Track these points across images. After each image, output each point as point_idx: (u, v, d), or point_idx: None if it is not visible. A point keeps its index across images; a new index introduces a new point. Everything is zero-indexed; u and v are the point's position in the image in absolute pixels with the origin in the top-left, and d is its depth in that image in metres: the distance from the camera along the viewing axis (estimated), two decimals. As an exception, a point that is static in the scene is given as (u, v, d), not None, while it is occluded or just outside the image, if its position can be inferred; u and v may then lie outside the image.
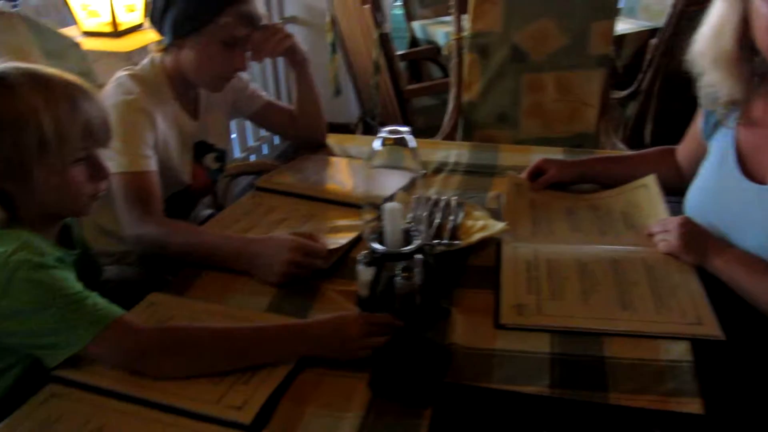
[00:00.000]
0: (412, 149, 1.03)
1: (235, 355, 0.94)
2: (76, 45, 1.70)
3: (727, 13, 1.11)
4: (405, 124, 2.57)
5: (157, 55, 1.45)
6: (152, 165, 1.34)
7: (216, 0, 1.33)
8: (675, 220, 1.17)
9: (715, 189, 1.25)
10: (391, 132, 1.01)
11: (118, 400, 0.88)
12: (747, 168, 1.19)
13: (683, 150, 1.44)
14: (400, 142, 1.02)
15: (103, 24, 2.16)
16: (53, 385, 0.91)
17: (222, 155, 1.61)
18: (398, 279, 1.01)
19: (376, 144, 1.02)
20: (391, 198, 1.20)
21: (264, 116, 1.69)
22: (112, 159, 1.28)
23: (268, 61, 3.48)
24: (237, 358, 0.93)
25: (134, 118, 1.33)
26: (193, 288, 1.16)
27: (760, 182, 1.15)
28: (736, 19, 1.09)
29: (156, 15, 1.40)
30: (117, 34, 2.14)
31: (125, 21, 2.19)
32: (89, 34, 2.19)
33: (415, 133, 2.58)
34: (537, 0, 2.01)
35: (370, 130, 2.92)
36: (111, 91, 1.37)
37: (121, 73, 1.41)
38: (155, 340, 0.93)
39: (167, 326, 1.00)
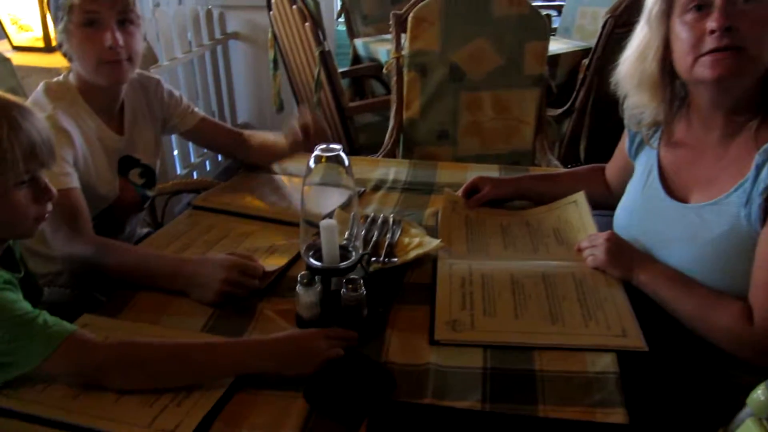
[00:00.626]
0: (347, 167, 1.05)
1: (191, 370, 0.94)
2: (5, 60, 1.66)
3: (650, 37, 1.16)
4: (347, 140, 2.61)
5: (66, 72, 1.44)
6: (74, 182, 1.31)
7: None
8: (602, 236, 1.21)
9: (641, 207, 1.30)
10: (324, 150, 1.02)
11: (50, 428, 0.87)
12: (670, 186, 1.24)
13: (611, 168, 1.50)
14: (336, 160, 1.03)
15: (34, 39, 2.11)
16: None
17: (148, 171, 1.58)
18: (344, 291, 1.02)
19: (311, 162, 1.03)
20: (329, 216, 1.21)
21: (200, 134, 1.67)
22: None
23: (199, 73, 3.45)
24: (193, 374, 0.94)
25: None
26: (127, 309, 1.14)
27: (682, 200, 1.21)
28: (658, 44, 1.15)
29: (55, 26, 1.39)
30: (49, 49, 2.10)
31: (58, 36, 2.14)
32: (20, 48, 2.13)
33: (358, 150, 2.63)
34: (473, 21, 2.06)
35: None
36: None
37: (38, 88, 1.39)
38: (111, 355, 0.93)
39: (124, 341, 0.98)
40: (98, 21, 1.32)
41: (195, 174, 3.31)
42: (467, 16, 2.07)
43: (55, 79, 1.42)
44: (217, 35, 3.48)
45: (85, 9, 1.30)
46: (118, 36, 1.32)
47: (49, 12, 1.40)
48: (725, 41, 1.04)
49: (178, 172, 3.15)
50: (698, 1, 1.07)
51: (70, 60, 1.39)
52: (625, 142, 1.40)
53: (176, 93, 1.62)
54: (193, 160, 3.28)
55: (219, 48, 3.53)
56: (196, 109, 1.65)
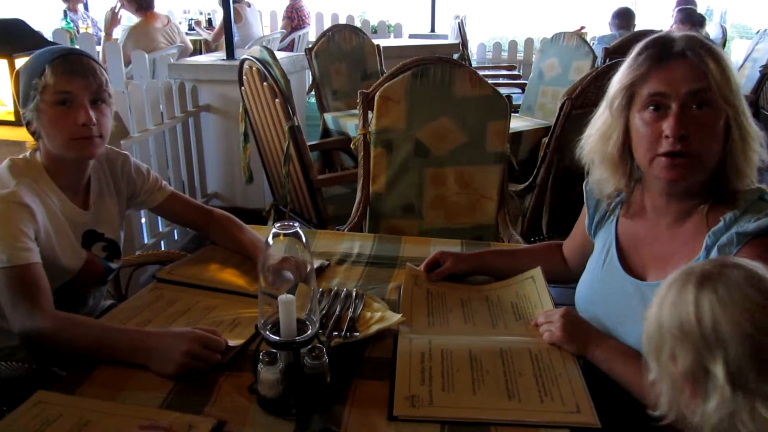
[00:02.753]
0: (305, 243, 1.08)
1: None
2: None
3: (611, 123, 1.24)
4: (316, 212, 2.65)
5: (32, 149, 1.46)
6: (35, 257, 1.31)
7: (35, 68, 1.36)
8: (558, 312, 1.25)
9: (601, 284, 1.34)
10: (282, 227, 1.05)
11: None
12: (628, 264, 1.29)
13: (569, 245, 1.55)
14: (295, 235, 1.06)
15: (5, 113, 2.14)
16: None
17: (111, 245, 1.59)
18: (308, 360, 1.03)
19: (270, 239, 1.06)
20: (291, 290, 1.23)
21: (168, 210, 1.69)
22: None
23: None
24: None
25: (10, 212, 1.31)
26: (87, 384, 1.13)
27: (640, 278, 1.25)
28: (619, 132, 1.22)
29: (19, 105, 1.43)
30: (19, 123, 2.12)
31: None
32: (-9, 122, 2.16)
33: (326, 221, 2.65)
34: (437, 101, 2.15)
35: (282, 217, 2.96)
36: None
37: (3, 165, 1.41)
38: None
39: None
40: (71, 100, 1.36)
41: (163, 243, 3.30)
42: (431, 96, 2.16)
43: (21, 156, 1.45)
44: (189, 107, 3.55)
45: (59, 89, 1.34)
46: (91, 114, 1.36)
47: (17, 90, 1.42)
48: (679, 147, 1.11)
49: (146, 241, 3.14)
50: (656, 102, 1.15)
51: (37, 137, 1.42)
52: (584, 220, 1.46)
53: (144, 169, 1.65)
54: (161, 229, 3.28)
55: (191, 120, 3.59)
56: (165, 184, 1.68)
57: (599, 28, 7.24)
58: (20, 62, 2.05)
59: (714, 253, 1.09)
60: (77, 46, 4.44)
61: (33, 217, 1.34)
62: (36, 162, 1.44)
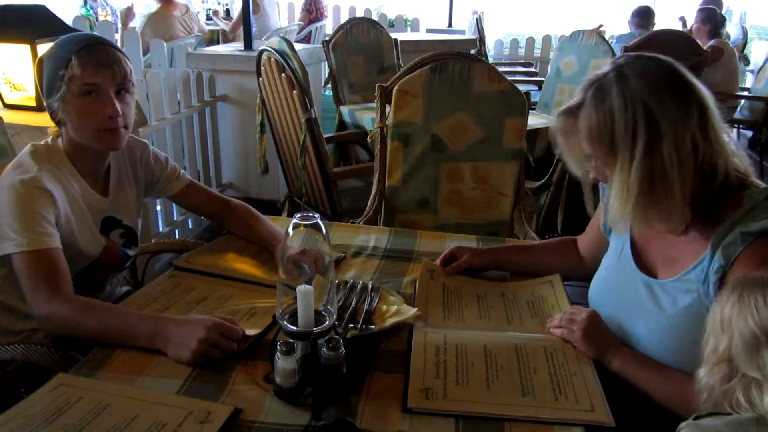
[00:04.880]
0: (325, 235, 1.08)
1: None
2: (-3, 119, 1.70)
3: None
4: (331, 204, 2.65)
5: (54, 135, 1.48)
6: (55, 242, 1.33)
7: (61, 58, 1.37)
8: (583, 314, 1.23)
9: (615, 280, 1.34)
10: (302, 218, 1.06)
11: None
12: (641, 261, 1.29)
13: (584, 241, 1.55)
14: (315, 227, 1.07)
15: (26, 98, 2.16)
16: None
17: (129, 232, 1.60)
18: (324, 351, 1.04)
19: (290, 229, 1.07)
20: (309, 281, 1.24)
21: (185, 199, 1.70)
22: (12, 240, 1.28)
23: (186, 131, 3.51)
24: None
25: (31, 197, 1.32)
26: (105, 368, 1.15)
27: (652, 275, 1.25)
28: None
29: (40, 95, 1.44)
30: (41, 108, 2.14)
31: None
32: (11, 107, 2.18)
33: (341, 214, 2.66)
34: (455, 96, 2.15)
35: (297, 209, 2.97)
36: (9, 171, 1.38)
37: (25, 150, 1.42)
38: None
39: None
40: (97, 91, 1.37)
41: (177, 232, 3.32)
42: (449, 91, 2.15)
43: (42, 142, 1.46)
44: (206, 97, 3.56)
45: (86, 81, 1.36)
46: (117, 105, 1.38)
47: (40, 78, 1.44)
48: None
49: (161, 229, 3.16)
50: None
51: (61, 125, 1.43)
52: (599, 218, 1.46)
53: (162, 157, 1.66)
54: (176, 218, 3.30)
55: (207, 110, 3.61)
56: (183, 173, 1.69)
57: (617, 26, 7.19)
58: (42, 48, 2.07)
59: (719, 253, 1.09)
60: (97, 32, 4.48)
61: (54, 202, 1.36)
62: (58, 148, 1.46)
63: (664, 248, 1.24)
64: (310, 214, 1.06)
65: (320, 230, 1.07)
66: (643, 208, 1.14)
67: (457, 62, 2.16)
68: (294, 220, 1.06)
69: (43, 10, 2.23)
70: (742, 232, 1.08)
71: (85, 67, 1.35)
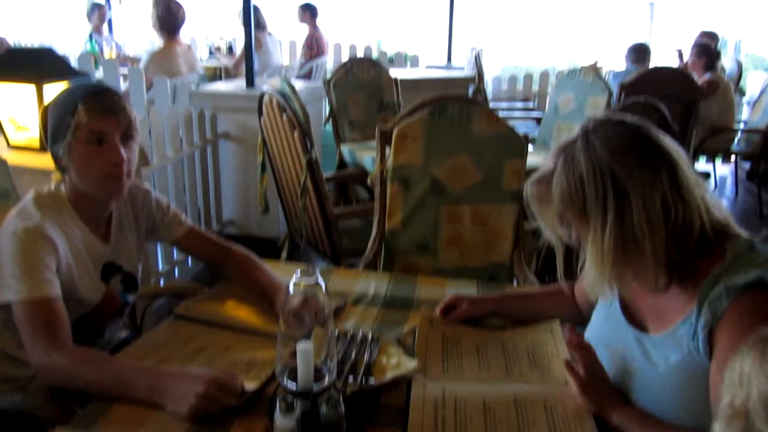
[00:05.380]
0: (324, 291, 1.09)
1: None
2: (2, 162, 1.72)
3: None
4: (330, 244, 2.66)
5: (57, 182, 1.49)
6: (55, 290, 1.33)
7: (67, 105, 1.39)
8: (582, 367, 1.22)
9: (606, 335, 1.34)
10: (303, 274, 1.07)
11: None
12: (631, 315, 1.29)
13: (580, 289, 1.56)
14: (315, 285, 1.08)
15: (31, 139, 2.18)
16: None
17: (129, 277, 1.61)
18: (324, 409, 1.04)
19: (290, 288, 1.08)
20: (308, 334, 1.24)
21: (186, 244, 1.71)
22: (12, 287, 1.28)
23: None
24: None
25: (33, 245, 1.33)
26: (102, 421, 1.14)
27: (642, 329, 1.25)
28: None
29: (45, 140, 1.46)
30: (44, 149, 2.16)
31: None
32: (16, 147, 2.20)
33: (340, 255, 2.65)
34: (454, 138, 2.17)
35: (297, 249, 2.98)
36: (12, 218, 1.39)
37: (27, 197, 1.43)
38: None
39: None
40: (103, 138, 1.39)
41: (177, 270, 3.32)
42: (449, 134, 2.17)
43: (45, 188, 1.47)
44: (208, 135, 3.59)
45: (92, 128, 1.37)
46: (122, 152, 1.39)
47: (45, 126, 1.45)
48: None
49: (160, 268, 3.17)
50: None
51: (65, 172, 1.45)
52: None
53: (164, 202, 1.67)
54: (175, 257, 3.30)
55: (209, 147, 3.64)
56: (184, 219, 1.70)
57: (613, 60, 7.27)
58: (48, 88, 2.11)
59: (706, 308, 1.09)
60: (101, 69, 4.53)
61: (55, 250, 1.37)
62: (60, 194, 1.47)
63: (651, 303, 1.24)
64: (311, 268, 1.07)
65: (320, 288, 1.08)
66: (619, 273, 1.16)
67: (455, 105, 2.18)
68: (294, 278, 1.07)
69: (49, 52, 2.27)
70: (727, 286, 1.07)
71: (92, 114, 1.38)
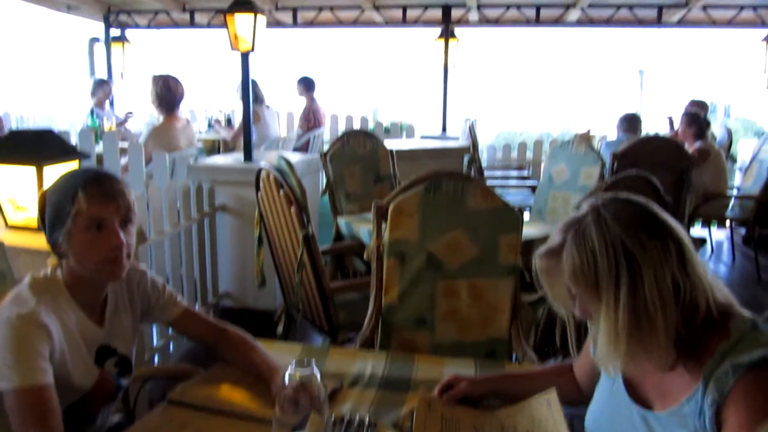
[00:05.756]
0: (320, 381, 1.08)
1: None
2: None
3: None
4: (327, 319, 2.64)
5: (53, 266, 1.49)
6: (48, 378, 1.31)
7: (66, 192, 1.40)
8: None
9: (610, 413, 1.33)
10: (298, 365, 1.06)
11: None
12: (635, 392, 1.28)
13: (579, 368, 1.54)
14: (310, 378, 1.07)
15: (29, 219, 2.19)
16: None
17: (123, 360, 1.59)
18: None
19: (285, 378, 1.07)
20: (304, 420, 1.22)
21: (182, 325, 1.70)
22: (4, 375, 1.27)
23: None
24: None
25: (27, 332, 1.32)
26: None
27: (647, 406, 1.24)
28: None
29: (42, 226, 1.47)
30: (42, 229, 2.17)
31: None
32: (14, 227, 2.21)
33: (337, 329, 2.63)
34: (449, 214, 2.19)
35: (293, 323, 2.95)
36: (6, 304, 1.39)
37: (24, 282, 1.43)
38: None
39: None
40: (103, 224, 1.40)
41: (171, 345, 3.29)
42: (444, 210, 2.19)
43: (41, 272, 1.48)
44: (206, 208, 3.62)
45: (92, 214, 1.39)
46: (122, 236, 1.41)
47: (43, 212, 1.47)
48: None
49: (155, 343, 3.13)
50: None
51: (62, 257, 1.45)
52: (590, 346, 1.45)
53: (159, 283, 1.68)
54: (170, 331, 3.27)
55: (206, 219, 3.66)
56: (180, 299, 1.70)
57: (604, 126, 7.42)
58: (48, 170, 2.13)
59: (712, 386, 1.09)
60: (101, 143, 4.61)
61: (49, 336, 1.36)
62: (57, 279, 1.47)
63: (656, 380, 1.24)
64: (305, 364, 1.06)
65: (316, 378, 1.07)
66: (632, 349, 1.16)
67: (450, 181, 2.22)
68: (289, 369, 1.06)
69: (50, 134, 2.30)
70: (733, 364, 1.08)
71: (92, 201, 1.39)
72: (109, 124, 5.64)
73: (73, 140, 4.89)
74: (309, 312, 2.81)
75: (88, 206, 1.38)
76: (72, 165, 2.22)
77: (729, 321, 1.16)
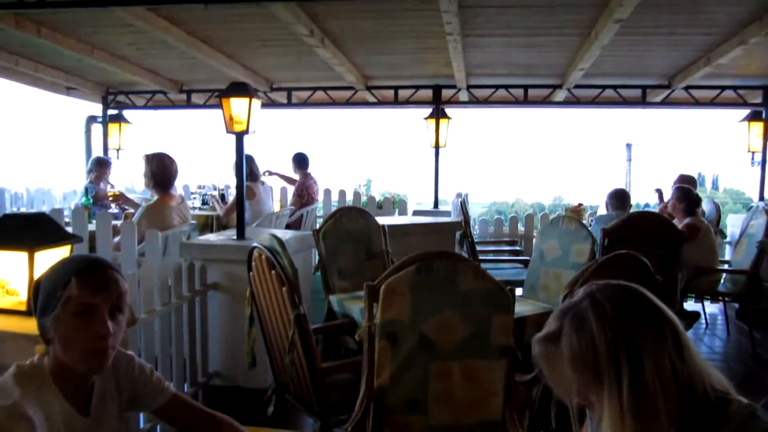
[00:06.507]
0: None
1: None
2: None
3: None
4: (318, 399, 2.59)
5: (41, 354, 1.47)
6: None
7: (59, 278, 1.40)
8: None
9: None
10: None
11: None
12: None
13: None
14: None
15: (17, 302, 2.18)
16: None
17: None
18: None
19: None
20: None
21: (169, 413, 1.67)
22: None
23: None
24: None
25: (9, 425, 1.30)
26: None
27: None
28: None
29: (34, 311, 1.47)
30: (30, 313, 2.15)
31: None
32: (3, 311, 2.19)
33: (329, 409, 2.58)
34: (441, 294, 2.19)
35: (284, 404, 2.89)
36: None
37: (9, 372, 1.41)
38: None
39: None
40: (92, 311, 1.40)
41: (158, 428, 3.20)
42: (436, 290, 2.20)
43: (28, 361, 1.46)
44: (197, 286, 3.60)
45: (82, 301, 1.39)
46: (110, 325, 1.40)
47: (35, 300, 1.46)
48: None
49: (141, 425, 3.04)
50: None
51: (49, 344, 1.44)
52: (588, 427, 1.43)
53: (147, 369, 1.65)
54: (158, 413, 3.19)
55: (197, 298, 3.63)
56: (167, 386, 1.67)
57: (594, 196, 7.51)
58: (40, 256, 2.13)
59: None
60: (94, 223, 4.62)
61: (33, 428, 1.33)
62: (43, 368, 1.45)
63: None
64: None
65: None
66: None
67: (441, 261, 2.23)
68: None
69: (43, 218, 2.31)
70: None
71: (83, 288, 1.39)
72: (112, 191, 5.62)
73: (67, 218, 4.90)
74: (300, 392, 2.76)
75: (79, 292, 1.38)
76: (64, 250, 2.22)
77: (728, 407, 1.15)
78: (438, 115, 6.92)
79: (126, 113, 7.72)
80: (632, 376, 1.14)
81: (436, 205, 7.00)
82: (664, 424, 1.13)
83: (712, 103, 7.00)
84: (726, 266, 5.68)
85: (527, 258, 5.10)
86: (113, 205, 5.55)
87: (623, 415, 1.14)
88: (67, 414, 1.44)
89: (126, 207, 5.41)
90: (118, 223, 4.44)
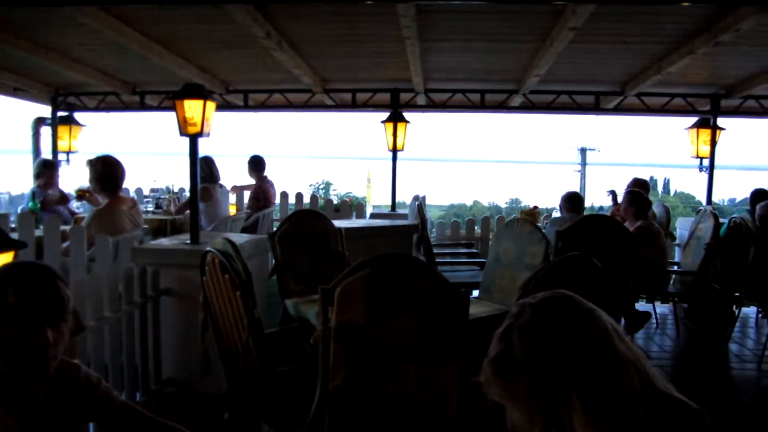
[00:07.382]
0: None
1: None
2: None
3: None
4: (273, 405, 2.56)
5: None
6: None
7: (1, 285, 1.36)
8: None
9: None
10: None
11: None
12: None
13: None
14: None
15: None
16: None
17: None
18: None
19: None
20: None
21: (118, 424, 1.61)
22: None
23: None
24: None
25: None
26: None
27: None
28: None
29: None
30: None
31: None
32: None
33: (284, 414, 2.54)
34: (397, 296, 2.19)
35: (239, 407, 2.85)
36: None
37: None
38: None
39: None
40: (31, 320, 1.35)
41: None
42: (391, 292, 2.19)
43: None
44: (149, 292, 3.52)
45: (20, 308, 1.34)
46: (50, 335, 1.35)
47: None
48: None
49: (91, 436, 2.96)
50: None
51: None
52: None
53: (94, 378, 1.61)
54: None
55: (149, 303, 3.55)
56: (115, 395, 1.62)
57: (550, 198, 7.64)
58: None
59: None
60: (42, 227, 4.47)
61: None
62: None
63: None
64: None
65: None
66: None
67: (397, 264, 2.23)
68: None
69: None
70: None
71: (21, 297, 1.34)
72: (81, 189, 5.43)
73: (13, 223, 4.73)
74: (255, 398, 2.72)
75: (16, 301, 1.33)
76: (6, 256, 2.14)
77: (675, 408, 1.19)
78: (396, 118, 6.93)
79: (77, 115, 7.50)
80: (581, 375, 1.18)
81: (393, 208, 7.00)
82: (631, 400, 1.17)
83: (662, 110, 7.19)
84: (675, 267, 5.83)
85: (483, 260, 5.14)
86: (61, 207, 5.39)
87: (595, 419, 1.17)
88: (9, 428, 1.39)
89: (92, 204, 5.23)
90: (68, 228, 4.31)
